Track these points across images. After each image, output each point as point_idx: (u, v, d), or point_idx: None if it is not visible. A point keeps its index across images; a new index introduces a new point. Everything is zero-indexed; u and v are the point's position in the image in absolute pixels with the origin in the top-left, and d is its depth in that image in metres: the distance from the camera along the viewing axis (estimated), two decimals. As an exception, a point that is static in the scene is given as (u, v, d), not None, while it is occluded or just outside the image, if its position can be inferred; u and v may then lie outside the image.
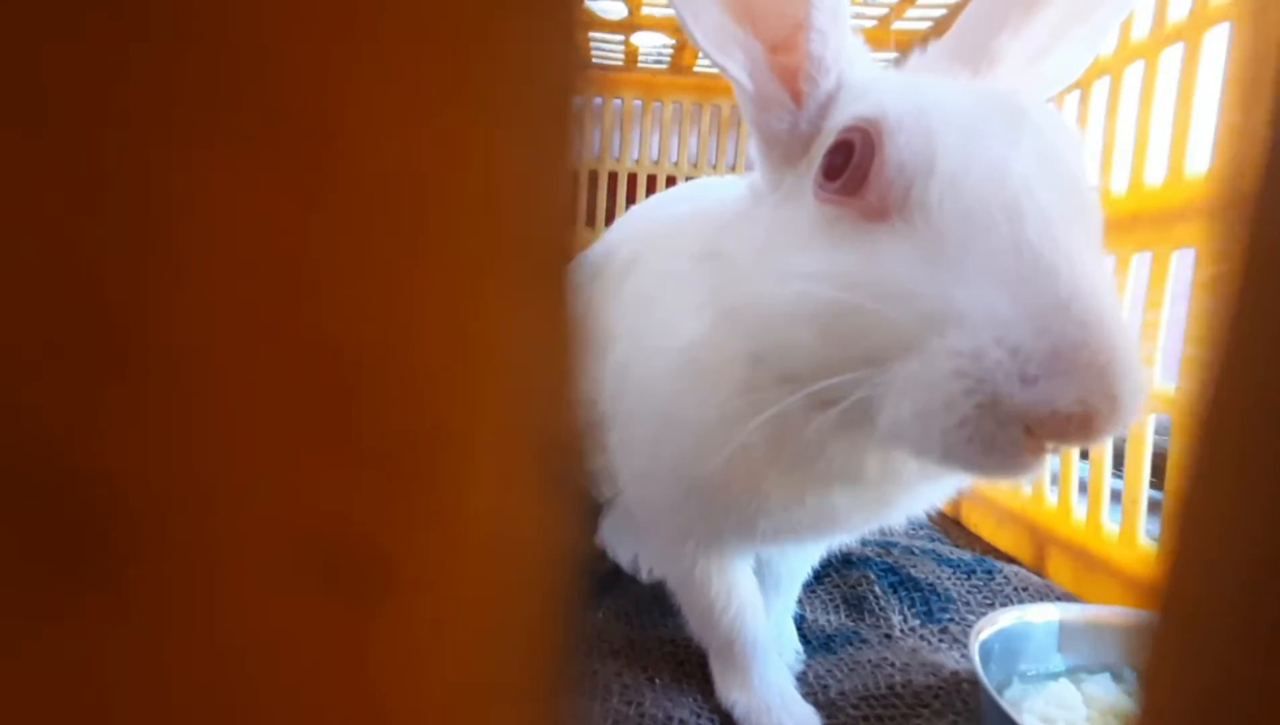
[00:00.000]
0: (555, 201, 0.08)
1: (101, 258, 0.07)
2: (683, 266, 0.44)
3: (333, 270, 0.07)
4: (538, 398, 0.08)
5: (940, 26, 0.87)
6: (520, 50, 0.07)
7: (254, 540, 0.07)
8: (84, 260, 0.07)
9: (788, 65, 0.38)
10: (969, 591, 0.61)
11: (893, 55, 0.95)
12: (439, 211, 0.07)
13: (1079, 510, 0.65)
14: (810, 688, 0.49)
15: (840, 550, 0.58)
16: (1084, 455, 0.67)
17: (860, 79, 0.37)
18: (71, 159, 0.07)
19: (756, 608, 0.47)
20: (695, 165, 1.05)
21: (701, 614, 0.47)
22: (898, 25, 0.87)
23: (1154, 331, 0.56)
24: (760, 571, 0.50)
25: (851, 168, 0.32)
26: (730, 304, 0.38)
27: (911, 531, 0.74)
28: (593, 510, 0.54)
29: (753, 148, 0.42)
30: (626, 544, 0.62)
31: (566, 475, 0.08)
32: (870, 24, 0.87)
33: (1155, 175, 0.58)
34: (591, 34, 0.87)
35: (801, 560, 0.54)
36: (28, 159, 0.07)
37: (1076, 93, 0.67)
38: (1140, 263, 0.59)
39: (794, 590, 0.55)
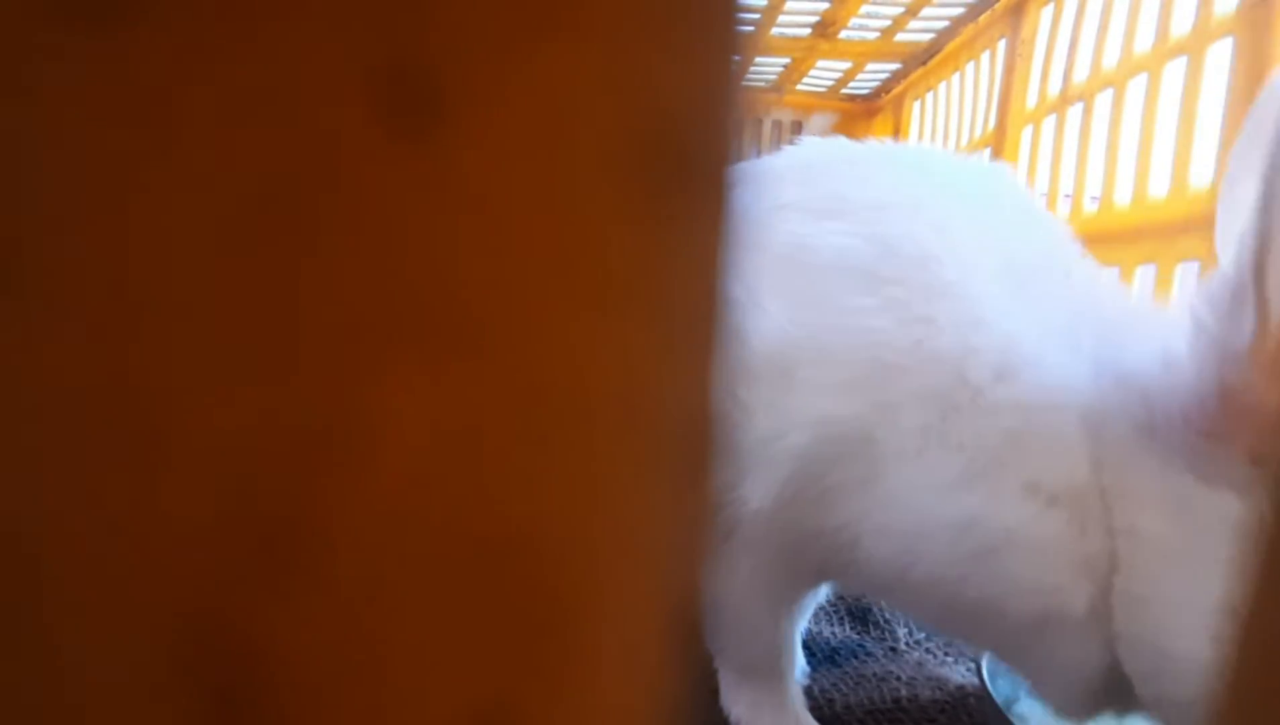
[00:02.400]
0: (696, 397, 0.08)
1: (289, 455, 0.08)
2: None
3: (490, 467, 0.08)
4: (668, 579, 0.09)
5: (942, 39, 0.87)
6: (671, 259, 0.08)
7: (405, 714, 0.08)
8: (272, 457, 0.08)
9: None
10: (974, 604, 0.61)
11: (895, 67, 0.95)
12: (583, 408, 0.08)
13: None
14: (816, 701, 0.49)
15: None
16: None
17: None
18: (268, 368, 0.07)
19: (797, 641, 0.46)
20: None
21: (744, 633, 0.44)
22: (900, 38, 0.88)
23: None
24: None
25: None
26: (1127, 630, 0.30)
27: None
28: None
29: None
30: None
31: (691, 646, 0.09)
32: (873, 36, 0.88)
33: (1159, 187, 0.59)
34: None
35: None
36: (233, 366, 0.07)
37: (1080, 105, 0.67)
38: (1144, 275, 0.59)
39: (812, 606, 0.55)
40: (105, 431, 0.07)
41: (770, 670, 0.45)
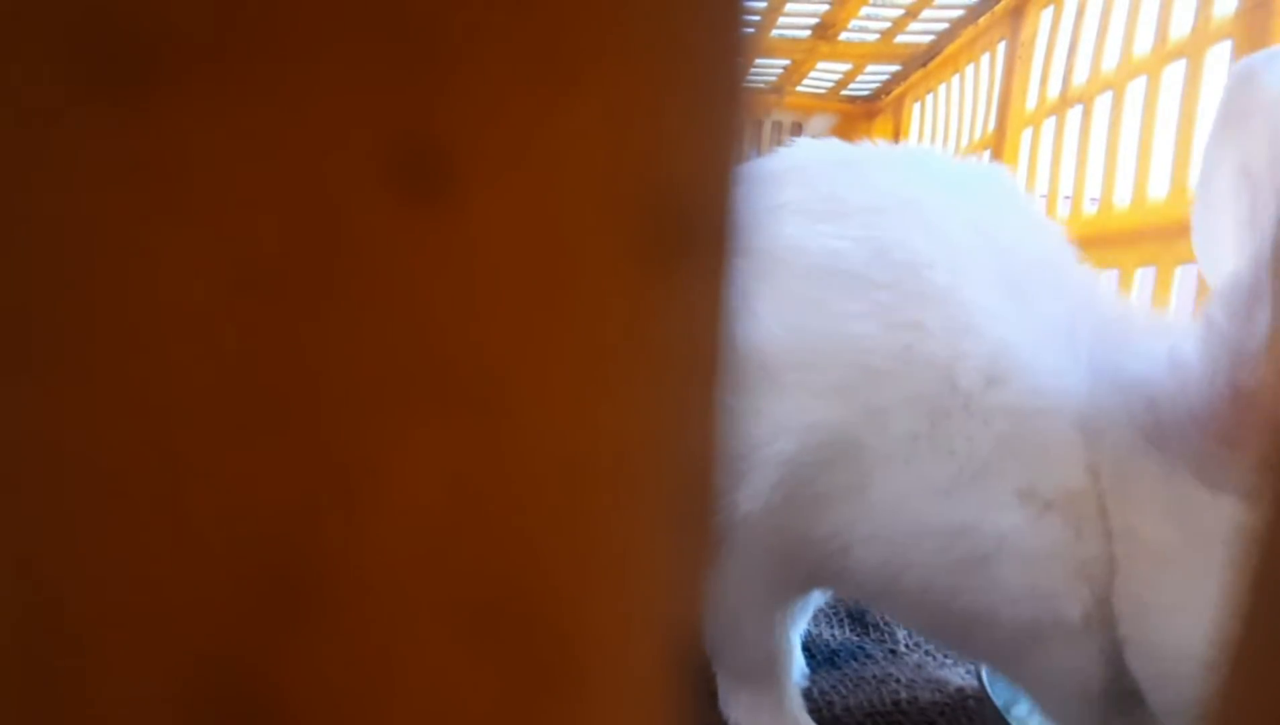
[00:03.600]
0: (699, 454, 0.09)
1: (304, 511, 0.08)
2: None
3: (498, 521, 0.08)
4: (672, 628, 0.09)
5: (942, 41, 0.87)
6: (675, 319, 0.08)
7: None
8: (288, 513, 0.08)
9: None
10: (974, 606, 0.61)
11: (895, 69, 0.95)
12: (591, 465, 0.08)
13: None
14: (815, 704, 0.49)
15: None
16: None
17: None
18: (284, 427, 0.08)
19: (794, 643, 0.46)
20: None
21: (739, 637, 0.43)
22: (900, 39, 0.88)
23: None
24: None
25: None
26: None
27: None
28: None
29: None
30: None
31: (695, 690, 0.09)
32: (873, 38, 0.88)
33: (1158, 189, 0.59)
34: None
35: None
36: (250, 426, 0.08)
37: (1079, 107, 0.67)
38: (1144, 277, 0.59)
39: (811, 609, 0.55)
40: (128, 488, 0.07)
41: (767, 673, 0.45)
